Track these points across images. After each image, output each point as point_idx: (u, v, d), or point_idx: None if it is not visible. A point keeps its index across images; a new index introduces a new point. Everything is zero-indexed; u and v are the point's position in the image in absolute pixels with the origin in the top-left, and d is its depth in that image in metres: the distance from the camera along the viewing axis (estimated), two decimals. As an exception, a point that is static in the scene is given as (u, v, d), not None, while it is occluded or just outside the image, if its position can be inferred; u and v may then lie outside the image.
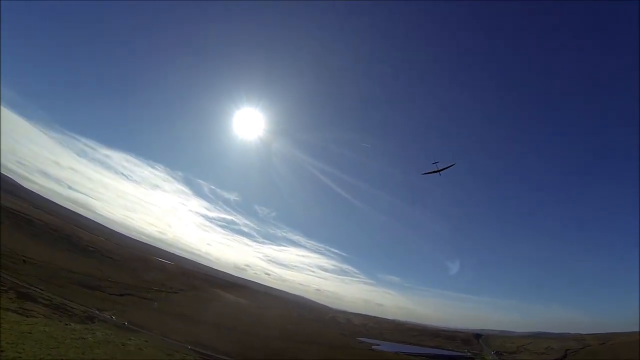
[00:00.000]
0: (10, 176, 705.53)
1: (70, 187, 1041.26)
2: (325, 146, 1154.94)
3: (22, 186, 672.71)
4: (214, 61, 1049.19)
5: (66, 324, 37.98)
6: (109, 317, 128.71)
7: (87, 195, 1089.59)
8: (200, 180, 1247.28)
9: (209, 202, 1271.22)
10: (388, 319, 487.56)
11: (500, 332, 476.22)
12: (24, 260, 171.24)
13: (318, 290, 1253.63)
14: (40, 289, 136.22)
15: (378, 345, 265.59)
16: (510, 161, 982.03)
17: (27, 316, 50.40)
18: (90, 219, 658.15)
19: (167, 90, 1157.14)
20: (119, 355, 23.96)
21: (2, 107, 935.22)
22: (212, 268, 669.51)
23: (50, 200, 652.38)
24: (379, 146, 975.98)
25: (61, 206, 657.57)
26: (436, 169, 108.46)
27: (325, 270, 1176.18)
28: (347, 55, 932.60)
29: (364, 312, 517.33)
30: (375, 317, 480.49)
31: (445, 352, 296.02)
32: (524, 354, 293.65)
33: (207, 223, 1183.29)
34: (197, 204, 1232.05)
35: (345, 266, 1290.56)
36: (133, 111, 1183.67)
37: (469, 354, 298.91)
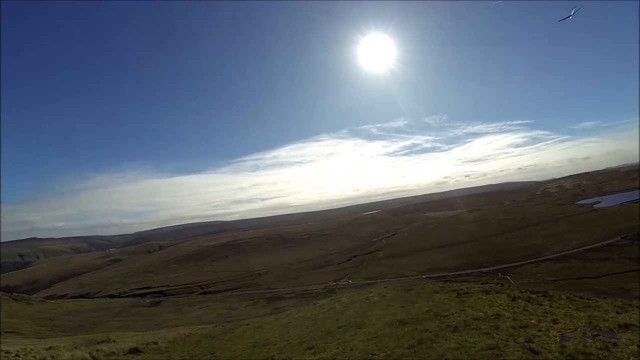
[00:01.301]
0: (214, 219, 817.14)
1: (262, 199, 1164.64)
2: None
3: (226, 221, 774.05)
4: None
5: (314, 304, 38.21)
6: (346, 282, 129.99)
7: (278, 197, 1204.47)
8: (364, 126, 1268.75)
9: (382, 139, 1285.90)
10: (600, 171, 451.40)
11: None
12: (258, 274, 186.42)
13: (520, 169, 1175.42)
14: (282, 288, 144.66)
15: (599, 202, 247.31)
16: None
17: (280, 312, 54.06)
18: (292, 213, 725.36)
19: (290, 63, 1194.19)
20: (366, 309, 24.13)
21: (176, 177, 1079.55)
22: (416, 196, 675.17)
23: (254, 218, 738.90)
24: None
25: (265, 217, 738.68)
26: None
27: (518, 145, 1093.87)
28: None
29: (573, 173, 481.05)
30: (586, 173, 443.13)
31: None
32: None
33: (392, 158, 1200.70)
34: (375, 147, 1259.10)
35: (534, 132, 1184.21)
36: (271, 107, 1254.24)
37: None
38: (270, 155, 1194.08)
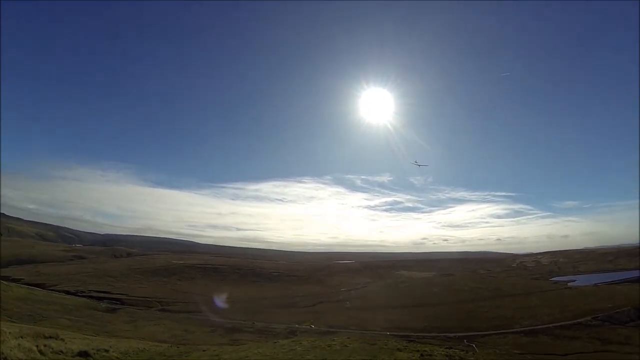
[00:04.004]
0: (187, 239, 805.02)
1: (238, 229, 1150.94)
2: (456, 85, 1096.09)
3: (199, 243, 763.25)
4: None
5: (275, 342, 38.85)
6: (308, 327, 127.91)
7: (254, 229, 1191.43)
8: (349, 176, 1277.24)
9: (365, 192, 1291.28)
10: (577, 250, 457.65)
11: None
12: (222, 302, 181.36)
13: (498, 239, 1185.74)
14: (243, 321, 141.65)
15: (574, 280, 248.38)
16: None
17: (237, 345, 53.98)
18: (266, 249, 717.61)
19: (286, 106, 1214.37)
20: (327, 356, 24.24)
21: (158, 189, 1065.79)
22: (391, 253, 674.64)
23: (226, 246, 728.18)
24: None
25: (236, 247, 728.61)
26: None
27: (499, 217, 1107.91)
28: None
29: (550, 249, 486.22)
30: (563, 250, 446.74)
31: None
32: None
33: (372, 212, 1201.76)
34: (356, 198, 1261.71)
35: (517, 206, 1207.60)
36: (263, 142, 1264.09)
37: None
38: (253, 188, 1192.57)
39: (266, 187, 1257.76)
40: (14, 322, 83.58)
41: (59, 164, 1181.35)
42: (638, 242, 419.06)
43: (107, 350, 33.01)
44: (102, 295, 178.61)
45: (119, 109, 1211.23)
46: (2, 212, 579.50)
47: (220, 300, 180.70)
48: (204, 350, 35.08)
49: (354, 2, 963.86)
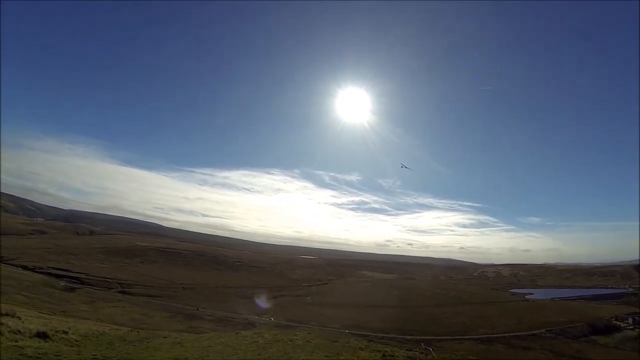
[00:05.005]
0: (152, 221, 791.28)
1: (204, 215, 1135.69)
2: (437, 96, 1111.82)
3: (165, 226, 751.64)
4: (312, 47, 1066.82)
5: (237, 333, 38.06)
6: (268, 319, 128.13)
7: (220, 217, 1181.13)
8: (318, 172, 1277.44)
9: (333, 189, 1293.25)
10: (537, 264, 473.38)
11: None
12: (182, 287, 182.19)
13: (462, 248, 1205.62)
14: (202, 308, 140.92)
15: (531, 294, 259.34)
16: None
17: (197, 333, 54.70)
18: (230, 237, 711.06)
19: (259, 92, 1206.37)
20: (290, 350, 24.19)
21: (127, 167, 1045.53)
22: (355, 252, 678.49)
23: (191, 231, 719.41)
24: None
25: (201, 233, 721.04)
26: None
27: (464, 226, 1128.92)
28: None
29: (511, 262, 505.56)
30: (523, 264, 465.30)
31: (605, 291, 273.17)
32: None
33: (338, 210, 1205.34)
34: (323, 195, 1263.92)
35: (482, 217, 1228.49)
36: (235, 127, 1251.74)
37: (631, 289, 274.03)
38: (222, 175, 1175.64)
39: (235, 175, 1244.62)
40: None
41: (27, 132, 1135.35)
42: (594, 261, 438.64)
43: (65, 332, 32.65)
44: (61, 273, 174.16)
45: (93, 83, 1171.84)
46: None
47: (182, 286, 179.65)
48: (164, 337, 35.05)
49: (332, 1, 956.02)
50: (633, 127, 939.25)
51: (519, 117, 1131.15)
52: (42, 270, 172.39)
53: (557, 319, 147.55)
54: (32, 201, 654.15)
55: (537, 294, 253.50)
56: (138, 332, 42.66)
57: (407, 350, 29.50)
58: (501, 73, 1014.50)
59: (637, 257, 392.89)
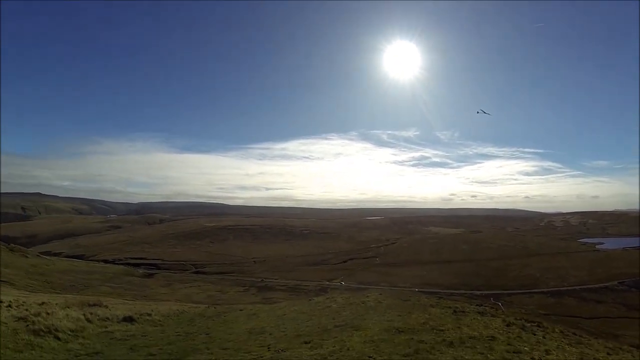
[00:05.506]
0: (217, 202, 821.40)
1: (267, 188, 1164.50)
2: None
3: (230, 205, 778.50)
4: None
5: (309, 299, 38.23)
6: (339, 284, 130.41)
7: (283, 188, 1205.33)
8: (375, 131, 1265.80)
9: (392, 147, 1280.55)
10: (608, 211, 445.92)
11: None
12: (254, 261, 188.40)
13: (527, 197, 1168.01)
14: (275, 279, 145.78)
15: (602, 243, 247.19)
16: None
17: (271, 303, 53.96)
18: (295, 207, 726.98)
19: (307, 57, 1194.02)
20: (363, 312, 24.26)
21: (185, 154, 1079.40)
22: (421, 209, 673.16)
23: (257, 206, 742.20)
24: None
25: (267, 207, 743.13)
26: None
27: (528, 174, 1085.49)
28: None
29: (580, 210, 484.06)
30: (593, 212, 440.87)
31: None
32: None
33: (400, 167, 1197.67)
34: (383, 153, 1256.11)
35: (546, 163, 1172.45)
36: (285, 98, 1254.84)
37: None
38: (279, 147, 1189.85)
39: (292, 146, 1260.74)
40: (59, 293, 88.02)
41: (86, 139, 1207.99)
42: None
43: (149, 314, 34.01)
44: (138, 261, 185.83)
45: (139, 79, 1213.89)
46: (39, 192, 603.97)
47: (253, 260, 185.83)
48: (240, 310, 35.91)
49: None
50: None
51: (576, 53, 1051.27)
52: (121, 262, 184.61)
53: (631, 270, 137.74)
54: (102, 201, 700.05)
55: (608, 244, 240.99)
56: (215, 307, 44.05)
57: (477, 305, 28.49)
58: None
59: None
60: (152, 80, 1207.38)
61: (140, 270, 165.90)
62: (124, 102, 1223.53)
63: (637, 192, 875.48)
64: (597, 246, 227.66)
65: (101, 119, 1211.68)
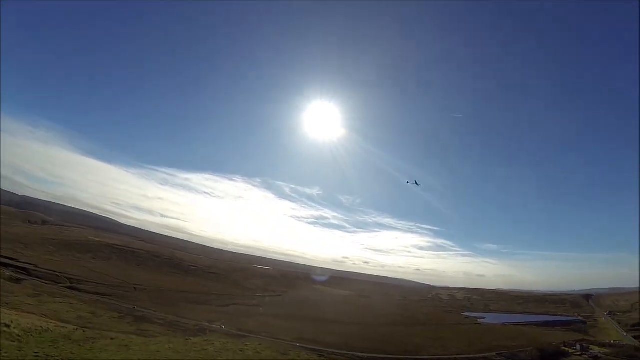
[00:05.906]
0: (109, 216, 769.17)
1: (162, 215, 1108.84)
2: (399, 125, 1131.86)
3: (121, 223, 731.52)
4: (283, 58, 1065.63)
5: (186, 339, 38.37)
6: (218, 327, 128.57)
7: (178, 219, 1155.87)
8: (279, 182, 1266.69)
9: (293, 201, 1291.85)
10: (491, 290, 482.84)
11: (611, 290, 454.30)
12: (134, 288, 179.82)
13: (418, 270, 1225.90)
14: (153, 311, 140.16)
15: (484, 318, 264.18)
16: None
17: (146, 337, 51.71)
18: (187, 240, 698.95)
19: (228, 101, 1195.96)
20: None
21: (88, 158, 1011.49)
22: (311, 266, 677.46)
23: (148, 230, 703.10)
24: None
25: (158, 234, 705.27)
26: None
27: (421, 248, 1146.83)
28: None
29: (466, 286, 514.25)
30: (477, 289, 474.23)
31: (555, 318, 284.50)
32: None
33: (297, 222, 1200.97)
34: (284, 206, 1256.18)
35: (440, 241, 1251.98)
36: (200, 132, 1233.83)
37: (579, 317, 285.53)
38: (183, 176, 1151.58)
39: (197, 179, 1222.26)
40: None
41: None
42: (546, 289, 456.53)
43: (8, 326, 31.67)
44: (8, 262, 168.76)
45: (60, 68, 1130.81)
46: None
47: (134, 286, 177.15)
48: (111, 339, 34.60)
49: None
50: (588, 160, 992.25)
51: (482, 144, 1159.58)
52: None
53: (508, 343, 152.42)
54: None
55: (489, 318, 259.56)
56: (84, 331, 42.08)
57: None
58: (470, 99, 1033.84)
59: (587, 287, 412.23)
60: (71, 70, 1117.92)
61: (8, 272, 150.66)
62: (38, 83, 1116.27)
63: (519, 275, 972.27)
64: (479, 320, 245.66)
65: (12, 92, 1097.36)
